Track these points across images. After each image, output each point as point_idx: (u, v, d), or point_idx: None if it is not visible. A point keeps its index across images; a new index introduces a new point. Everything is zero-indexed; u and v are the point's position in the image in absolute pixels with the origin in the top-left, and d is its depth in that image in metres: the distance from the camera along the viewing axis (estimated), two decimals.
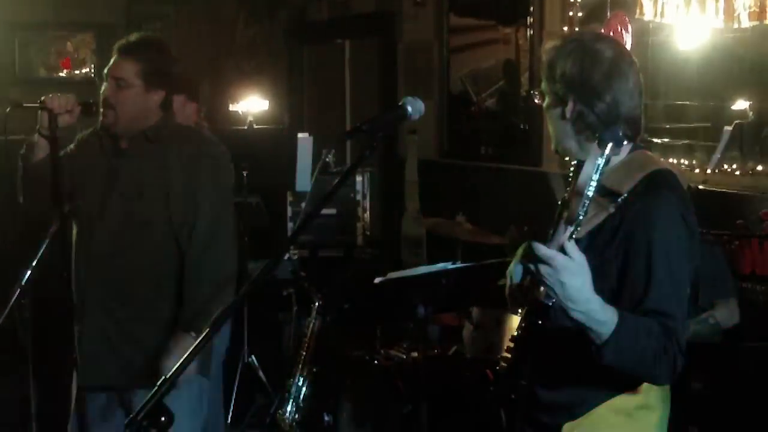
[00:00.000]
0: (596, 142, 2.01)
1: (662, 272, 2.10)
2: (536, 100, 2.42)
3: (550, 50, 2.31)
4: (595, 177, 1.85)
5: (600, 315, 1.98)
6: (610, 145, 1.88)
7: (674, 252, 2.12)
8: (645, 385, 2.19)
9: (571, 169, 1.96)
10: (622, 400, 2.23)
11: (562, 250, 1.90)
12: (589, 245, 2.15)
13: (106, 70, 3.24)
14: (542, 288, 2.01)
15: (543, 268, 1.91)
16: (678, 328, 2.07)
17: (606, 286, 2.11)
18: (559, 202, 1.98)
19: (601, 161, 1.86)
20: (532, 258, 1.92)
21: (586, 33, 2.43)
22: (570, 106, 2.25)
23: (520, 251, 2.25)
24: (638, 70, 2.28)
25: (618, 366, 2.06)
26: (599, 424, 2.23)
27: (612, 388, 2.22)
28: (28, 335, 3.43)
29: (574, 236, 1.90)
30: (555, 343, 2.12)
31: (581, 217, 1.86)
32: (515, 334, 2.33)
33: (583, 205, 1.85)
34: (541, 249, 1.90)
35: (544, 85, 2.33)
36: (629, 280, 2.13)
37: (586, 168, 1.87)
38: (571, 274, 1.91)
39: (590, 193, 1.85)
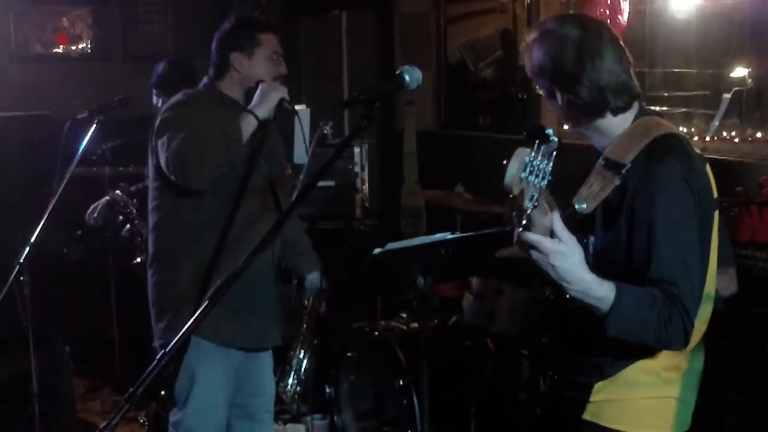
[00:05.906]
0: (594, 119, 2.18)
1: (664, 240, 2.09)
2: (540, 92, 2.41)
3: (526, 49, 2.32)
4: (524, 174, 1.91)
5: (597, 292, 2.01)
6: (536, 142, 1.95)
7: (677, 218, 2.12)
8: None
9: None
10: (652, 361, 2.24)
11: (551, 233, 1.93)
12: (599, 220, 2.18)
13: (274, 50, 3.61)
14: None
15: (534, 254, 1.95)
16: (682, 295, 2.07)
17: (618, 258, 2.14)
18: (510, 195, 1.98)
19: (527, 159, 1.92)
20: (523, 245, 1.96)
21: (550, 19, 2.34)
22: (558, 96, 2.27)
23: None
24: (613, 38, 2.26)
25: (624, 337, 2.08)
26: (630, 383, 2.26)
27: (641, 350, 2.21)
28: (27, 312, 3.43)
29: (530, 227, 1.94)
30: (582, 310, 2.12)
31: (530, 209, 1.90)
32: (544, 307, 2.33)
33: (532, 197, 1.90)
34: (529, 236, 1.93)
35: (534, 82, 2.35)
36: (634, 251, 2.14)
37: (510, 168, 1.93)
38: (560, 256, 1.94)
39: (536, 184, 1.90)
